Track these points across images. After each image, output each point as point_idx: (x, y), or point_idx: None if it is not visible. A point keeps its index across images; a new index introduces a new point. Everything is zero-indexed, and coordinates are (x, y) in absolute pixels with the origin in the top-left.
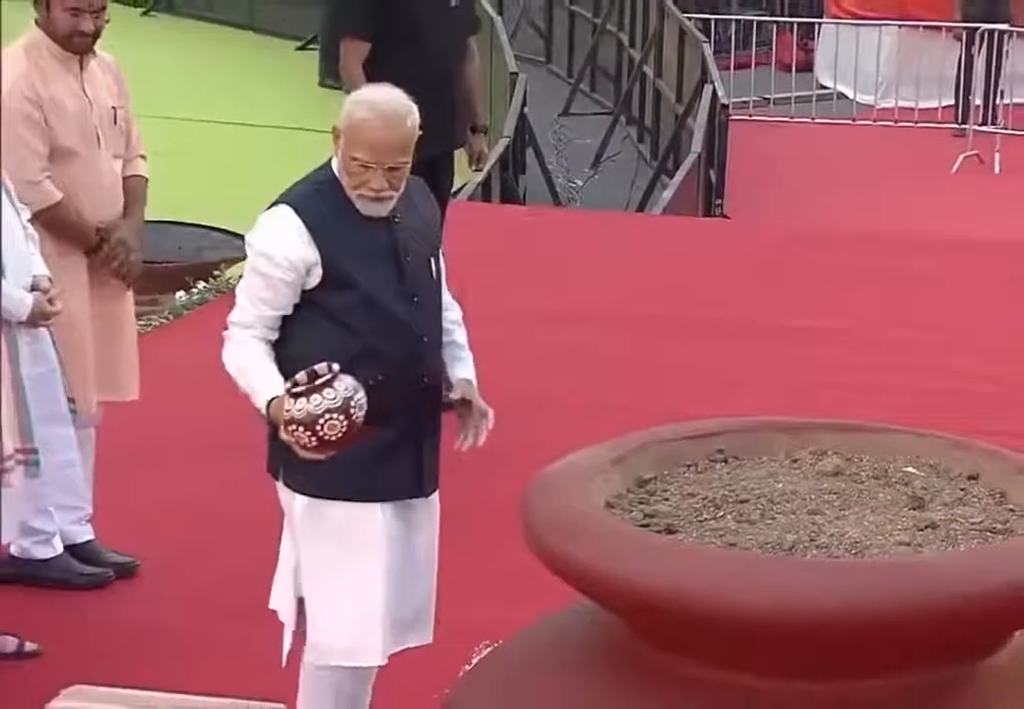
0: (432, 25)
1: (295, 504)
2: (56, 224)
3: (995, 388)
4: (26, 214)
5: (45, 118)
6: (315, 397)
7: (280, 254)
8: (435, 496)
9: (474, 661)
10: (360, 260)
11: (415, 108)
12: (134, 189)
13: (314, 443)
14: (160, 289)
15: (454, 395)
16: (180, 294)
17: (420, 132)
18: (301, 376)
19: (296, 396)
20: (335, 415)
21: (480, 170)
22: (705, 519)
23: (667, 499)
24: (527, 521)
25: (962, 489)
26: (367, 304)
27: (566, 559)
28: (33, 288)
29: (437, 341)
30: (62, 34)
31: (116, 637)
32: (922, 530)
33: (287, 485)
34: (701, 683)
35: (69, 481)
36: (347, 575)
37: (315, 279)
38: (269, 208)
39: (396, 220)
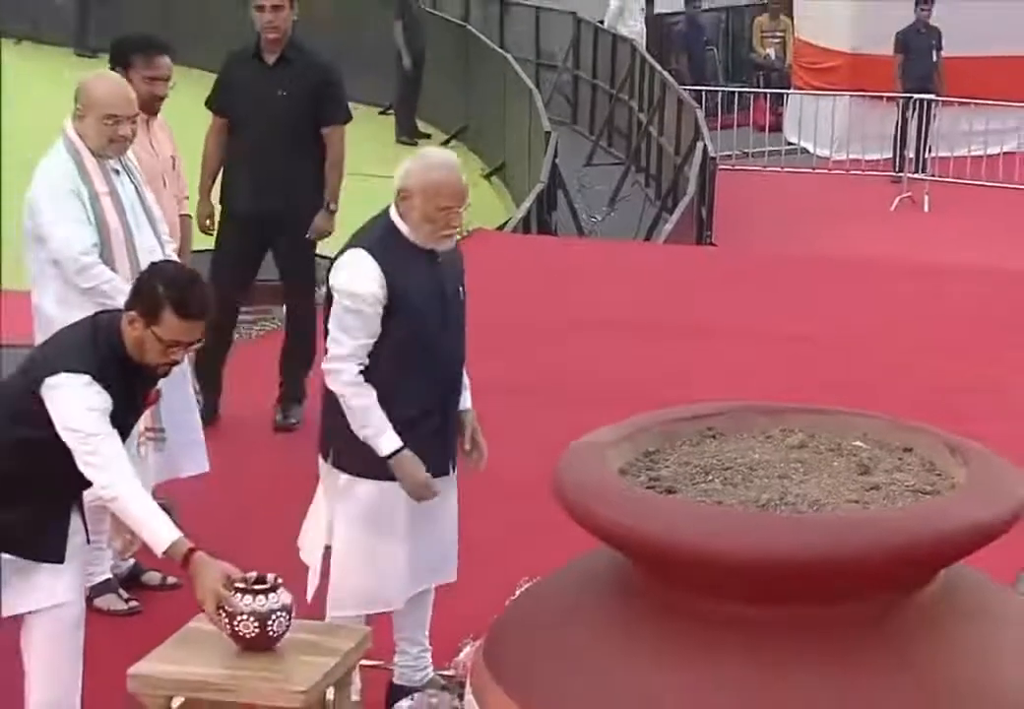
0: (254, 109)
1: (339, 480)
2: None
3: (924, 379)
4: (173, 245)
5: None
6: (247, 598)
7: (365, 291)
8: (454, 472)
9: (517, 593)
10: (416, 296)
11: None
12: (183, 228)
13: (228, 631)
14: (271, 302)
15: (466, 436)
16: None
17: (234, 192)
18: (250, 576)
19: (237, 590)
20: (252, 620)
21: (314, 239)
22: (698, 482)
23: (668, 467)
24: (559, 484)
25: (900, 459)
26: (418, 331)
27: (589, 514)
28: None
29: (464, 353)
30: (142, 99)
31: None
32: (868, 491)
33: (336, 465)
34: (697, 611)
35: (195, 453)
36: (372, 539)
37: (383, 310)
38: (343, 251)
39: (439, 260)
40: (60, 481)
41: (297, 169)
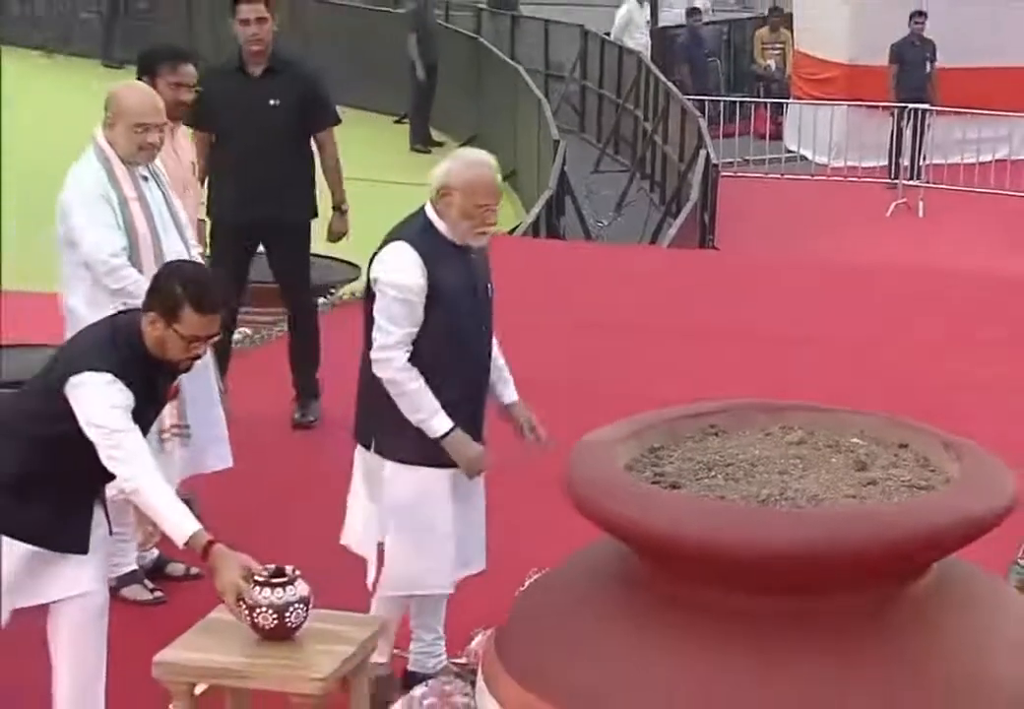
0: (243, 120)
1: (383, 467)
2: None
3: (917, 376)
4: (198, 250)
5: None
6: (266, 590)
7: (410, 281)
8: None
9: (526, 584)
10: (453, 289)
11: None
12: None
13: (248, 622)
14: None
15: (525, 426)
16: None
17: (227, 202)
18: (269, 568)
19: (256, 583)
20: (270, 612)
21: (334, 241)
22: (701, 478)
23: (672, 463)
24: (567, 479)
25: (895, 455)
26: (452, 323)
27: (596, 507)
28: None
29: (492, 347)
30: (168, 106)
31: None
32: (865, 486)
33: (378, 453)
34: (700, 602)
35: (220, 448)
36: (423, 523)
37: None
38: (384, 245)
39: (472, 256)
40: (83, 476)
41: (290, 175)
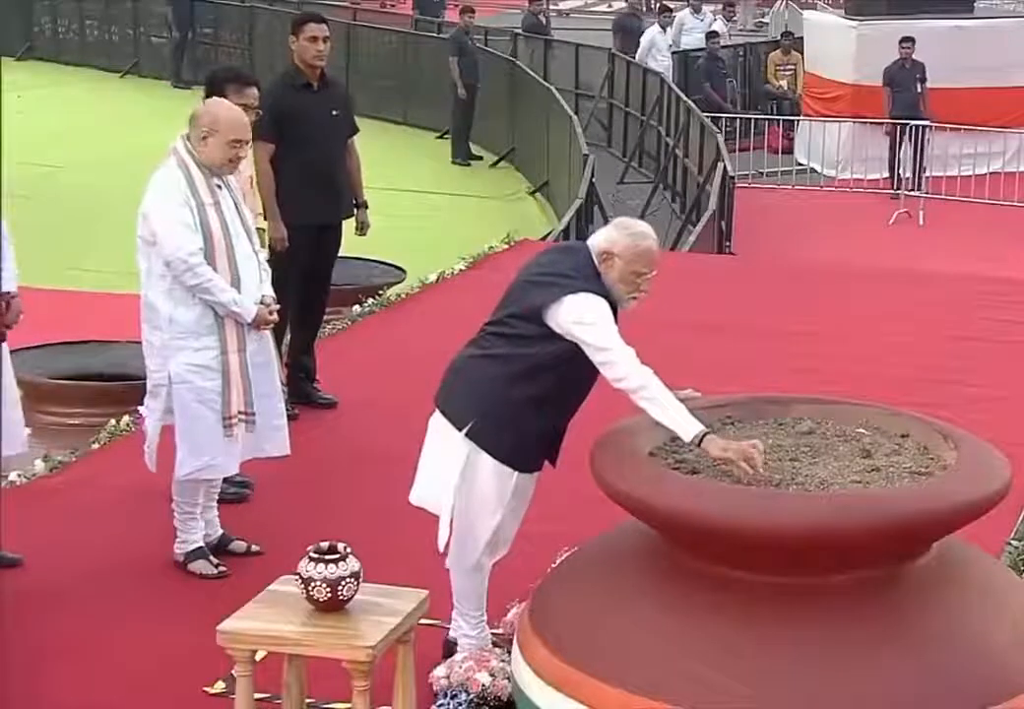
0: (318, 130)
1: (477, 455)
2: None
3: (916, 371)
4: (264, 254)
5: None
6: (320, 566)
7: (610, 316)
8: None
9: (557, 561)
10: None
11: None
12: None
13: (303, 594)
14: (343, 303)
15: None
16: (356, 307)
17: (310, 206)
18: (323, 545)
19: (311, 560)
20: (324, 586)
21: (364, 235)
22: (718, 464)
23: (691, 450)
24: (595, 464)
25: (897, 444)
26: (580, 361)
27: (621, 491)
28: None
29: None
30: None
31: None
32: (869, 472)
33: (470, 437)
34: (714, 577)
35: (278, 437)
36: (474, 514)
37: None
38: (575, 293)
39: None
40: None
41: (345, 178)
